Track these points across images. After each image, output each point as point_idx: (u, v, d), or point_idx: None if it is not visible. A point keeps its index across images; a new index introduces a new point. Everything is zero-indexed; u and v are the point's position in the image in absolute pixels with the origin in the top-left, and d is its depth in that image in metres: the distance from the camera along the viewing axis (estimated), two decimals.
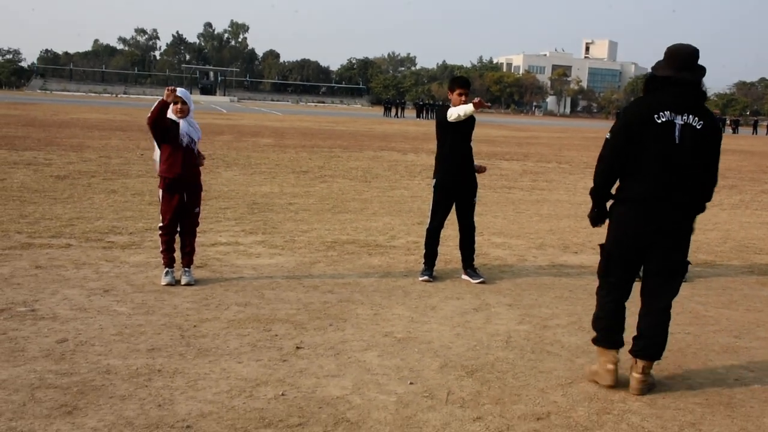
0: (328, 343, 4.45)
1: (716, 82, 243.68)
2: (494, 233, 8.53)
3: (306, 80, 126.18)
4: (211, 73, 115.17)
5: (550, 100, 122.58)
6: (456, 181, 6.17)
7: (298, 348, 4.33)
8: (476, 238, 6.42)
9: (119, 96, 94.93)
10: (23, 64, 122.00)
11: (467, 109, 5.86)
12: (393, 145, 22.97)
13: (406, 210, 9.98)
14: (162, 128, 5.45)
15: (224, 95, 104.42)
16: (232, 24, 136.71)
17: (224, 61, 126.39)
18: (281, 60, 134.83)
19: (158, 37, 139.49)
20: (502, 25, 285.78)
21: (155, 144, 5.64)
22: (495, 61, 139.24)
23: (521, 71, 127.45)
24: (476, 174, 6.32)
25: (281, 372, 3.95)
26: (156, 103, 5.38)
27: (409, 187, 12.67)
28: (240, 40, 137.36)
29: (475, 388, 3.86)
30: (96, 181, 11.19)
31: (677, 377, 4.21)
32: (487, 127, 40.63)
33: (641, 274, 4.09)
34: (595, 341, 4.06)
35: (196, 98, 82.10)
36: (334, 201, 10.49)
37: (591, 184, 4.09)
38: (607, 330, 4.01)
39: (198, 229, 5.97)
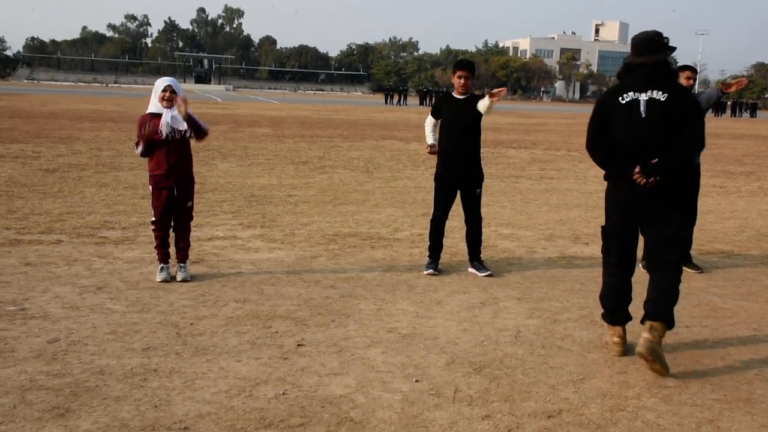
0: (330, 340, 4.39)
1: (733, 64, 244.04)
2: (502, 224, 8.42)
3: (304, 67, 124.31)
4: (206, 61, 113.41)
5: (559, 85, 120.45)
6: (454, 174, 6.12)
7: (299, 345, 4.28)
8: (483, 230, 6.36)
9: (110, 85, 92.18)
10: (8, 52, 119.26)
11: (485, 103, 5.92)
12: (395, 134, 22.87)
13: (410, 201, 9.86)
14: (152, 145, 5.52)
15: (219, 84, 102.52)
16: (226, 9, 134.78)
17: (219, 48, 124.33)
18: (278, 46, 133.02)
19: (149, 24, 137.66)
20: (508, 7, 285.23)
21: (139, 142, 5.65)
22: (501, 45, 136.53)
23: (528, 55, 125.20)
24: (480, 167, 6.18)
25: (282, 370, 3.89)
26: (141, 146, 5.46)
27: (413, 177, 12.54)
28: (235, 25, 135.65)
29: (483, 386, 3.80)
30: (87, 175, 11.05)
31: (694, 372, 4.13)
32: (494, 114, 40.23)
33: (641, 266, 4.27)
34: (603, 317, 4.44)
35: (190, 87, 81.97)
36: (334, 192, 10.39)
37: (602, 172, 4.35)
38: (611, 308, 4.35)
39: (193, 223, 5.94)
